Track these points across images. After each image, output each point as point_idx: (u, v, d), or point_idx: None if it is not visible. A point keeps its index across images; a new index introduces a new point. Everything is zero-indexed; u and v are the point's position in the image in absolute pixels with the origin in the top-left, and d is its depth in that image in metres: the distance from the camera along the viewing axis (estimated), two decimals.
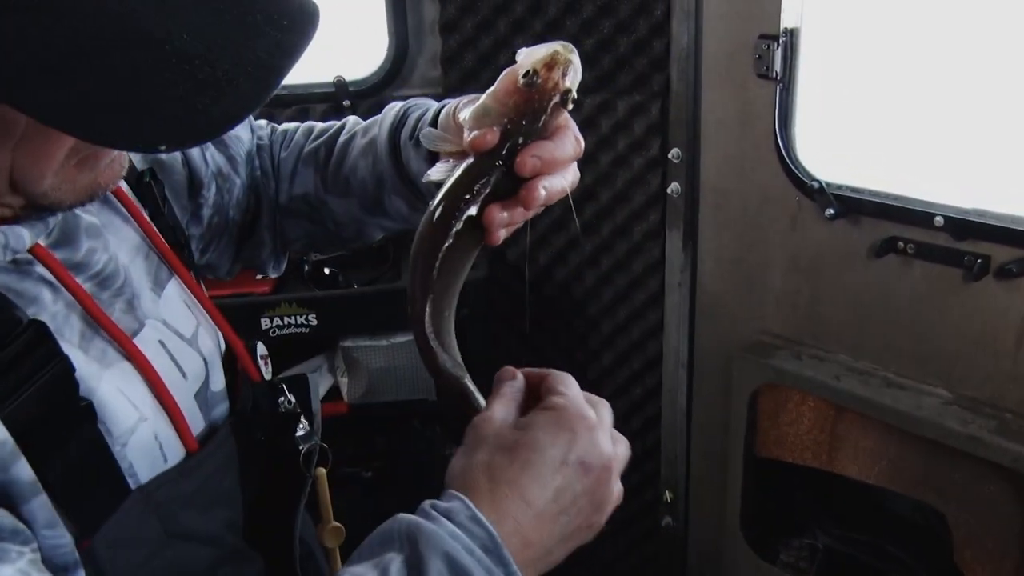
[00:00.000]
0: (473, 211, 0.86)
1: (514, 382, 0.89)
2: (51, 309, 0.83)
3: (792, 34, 1.91)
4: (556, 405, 0.84)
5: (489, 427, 0.83)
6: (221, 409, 1.02)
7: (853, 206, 1.91)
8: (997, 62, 1.75)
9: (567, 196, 0.90)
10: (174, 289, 1.01)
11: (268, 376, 1.09)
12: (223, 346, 1.07)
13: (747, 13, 1.98)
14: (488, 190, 0.86)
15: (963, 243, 1.77)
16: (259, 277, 2.14)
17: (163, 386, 0.89)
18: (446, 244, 0.86)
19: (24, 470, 0.75)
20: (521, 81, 0.84)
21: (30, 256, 0.83)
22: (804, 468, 2.19)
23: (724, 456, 2.29)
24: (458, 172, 0.88)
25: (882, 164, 1.94)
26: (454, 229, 0.86)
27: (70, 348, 0.81)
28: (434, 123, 1.06)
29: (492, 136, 0.85)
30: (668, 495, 2.59)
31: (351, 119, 1.24)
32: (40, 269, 0.83)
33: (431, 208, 0.87)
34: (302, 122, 2.14)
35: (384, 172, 1.13)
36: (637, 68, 2.20)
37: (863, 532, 2.26)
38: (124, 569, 0.83)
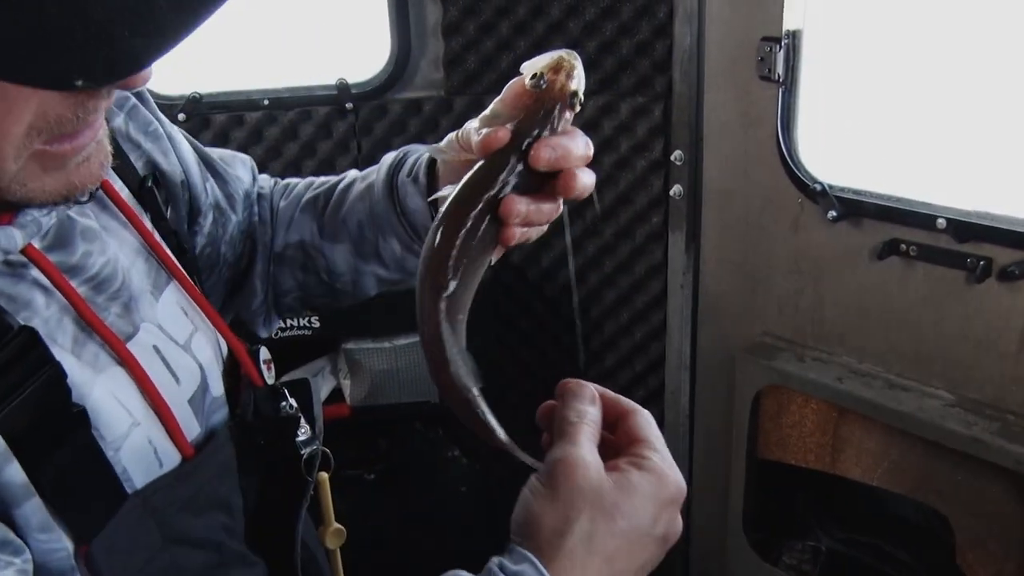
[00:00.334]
0: (499, 193, 0.85)
1: (593, 411, 0.86)
2: (43, 314, 0.82)
3: (794, 36, 1.91)
4: (656, 468, 0.83)
5: (585, 479, 0.80)
6: (221, 415, 1.02)
7: (855, 208, 1.91)
8: (999, 64, 1.75)
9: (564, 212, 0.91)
10: (171, 294, 1.00)
11: (271, 381, 1.08)
12: (225, 351, 1.07)
13: (749, 15, 1.98)
14: (510, 179, 0.86)
15: (966, 245, 1.77)
16: None
17: (156, 391, 0.89)
18: (460, 239, 0.84)
19: (16, 473, 0.75)
20: (529, 83, 0.87)
21: (24, 259, 0.82)
22: (806, 470, 2.19)
23: (727, 458, 2.29)
24: (470, 173, 0.87)
25: (884, 166, 1.95)
26: (470, 221, 0.84)
27: (62, 353, 0.81)
28: (432, 162, 1.09)
29: (504, 133, 0.86)
30: None
31: (351, 172, 1.25)
32: (34, 272, 0.83)
33: (442, 211, 0.86)
34: (304, 125, 2.15)
35: (380, 212, 1.14)
36: (640, 70, 2.20)
37: (866, 534, 2.26)
38: (122, 574, 0.83)
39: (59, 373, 0.79)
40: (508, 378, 2.53)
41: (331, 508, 1.14)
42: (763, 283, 2.16)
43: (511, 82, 0.89)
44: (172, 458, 0.90)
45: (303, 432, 1.05)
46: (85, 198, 0.85)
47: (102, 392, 0.84)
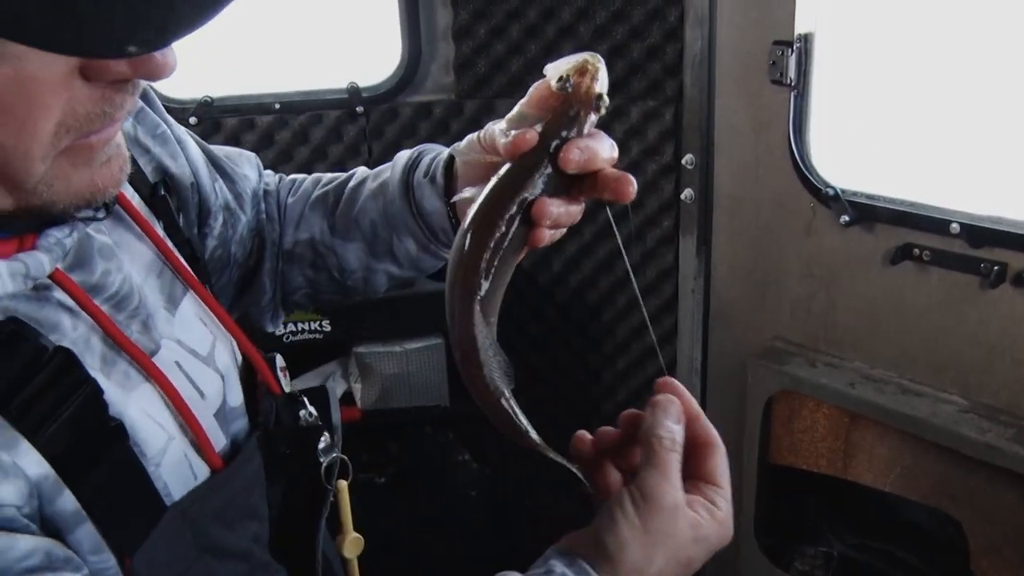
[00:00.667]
0: (528, 196, 0.86)
1: (680, 431, 0.88)
2: (71, 335, 0.81)
3: (806, 40, 1.90)
4: (724, 521, 0.88)
5: (675, 525, 0.85)
6: (240, 424, 1.01)
7: (868, 213, 1.90)
8: (1012, 67, 1.74)
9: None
10: (189, 306, 0.99)
11: (288, 388, 1.08)
12: (239, 358, 1.06)
13: (761, 19, 1.97)
14: (541, 182, 0.87)
15: (980, 250, 1.76)
16: None
17: (186, 407, 0.89)
18: (493, 241, 0.85)
19: (68, 502, 0.76)
20: (555, 86, 0.87)
21: (48, 281, 0.81)
22: (818, 475, 2.18)
23: (738, 463, 2.28)
24: (499, 175, 0.88)
25: (897, 170, 1.94)
26: (502, 224, 0.85)
27: (93, 373, 0.81)
28: (450, 163, 1.09)
29: (533, 135, 0.87)
30: None
31: (360, 169, 1.25)
32: (58, 294, 0.82)
33: (470, 218, 0.87)
34: (314, 128, 2.15)
35: (396, 212, 1.14)
36: (651, 74, 2.20)
37: (878, 540, 2.24)
38: None
39: (96, 390, 0.79)
40: (518, 383, 2.52)
41: (350, 517, 1.13)
42: (775, 288, 2.15)
43: (536, 84, 0.90)
44: (203, 471, 0.91)
45: (323, 440, 1.05)
46: (102, 214, 0.85)
47: (136, 410, 0.84)
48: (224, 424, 0.97)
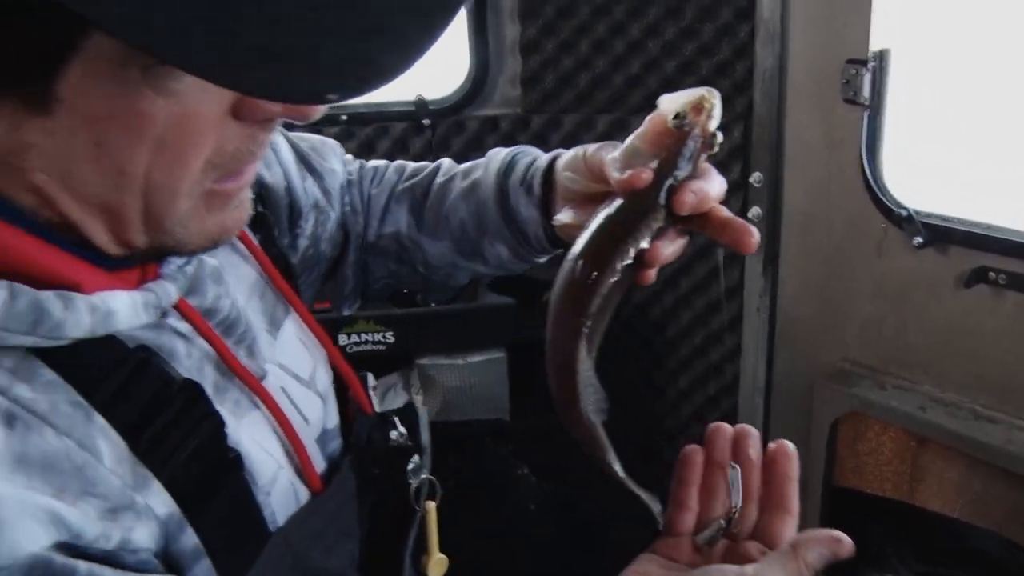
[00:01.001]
0: (645, 244, 0.85)
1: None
2: (186, 363, 0.79)
3: (881, 58, 1.88)
4: None
5: None
6: (335, 444, 1.00)
7: (942, 235, 1.87)
8: None
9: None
10: (291, 328, 0.98)
11: (378, 408, 1.07)
12: (331, 376, 1.05)
13: (835, 37, 1.95)
14: (657, 226, 0.86)
15: None
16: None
17: (295, 434, 0.87)
18: (609, 281, 0.84)
19: (190, 538, 0.74)
20: (671, 123, 0.86)
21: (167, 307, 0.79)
22: (882, 499, 2.14)
23: (802, 485, 2.24)
24: (609, 212, 0.87)
25: (972, 192, 1.90)
26: (618, 267, 0.84)
27: None
28: (548, 171, 1.06)
29: (648, 175, 0.85)
30: None
31: (445, 161, 1.23)
32: (172, 321, 0.80)
33: (582, 249, 0.86)
34: (381, 140, 2.14)
35: (488, 216, 1.12)
36: (720, 91, 2.16)
37: (945, 567, 2.20)
38: None
39: (219, 423, 0.78)
40: None
41: (436, 538, 1.11)
42: (844, 308, 2.12)
43: (650, 117, 0.88)
44: (305, 495, 0.89)
45: (412, 461, 1.04)
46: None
47: (247, 438, 0.83)
48: (323, 447, 0.96)
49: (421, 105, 2.32)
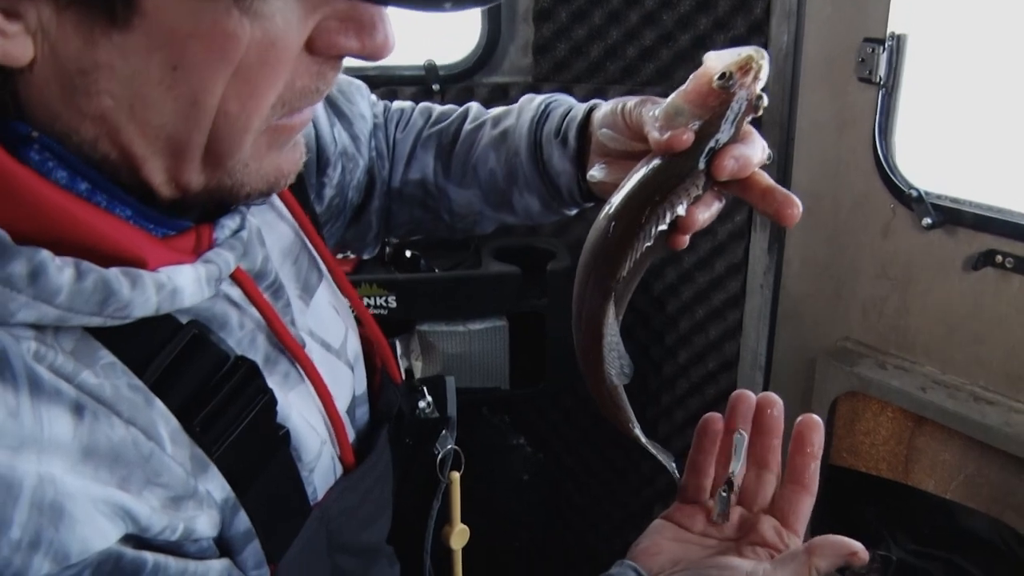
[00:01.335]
0: (681, 210, 0.82)
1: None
2: (237, 334, 0.76)
3: (899, 39, 1.88)
4: None
5: None
6: (362, 412, 0.96)
7: (952, 216, 1.88)
8: None
9: None
10: (323, 294, 0.93)
11: (403, 375, 1.05)
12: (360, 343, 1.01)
13: (852, 15, 1.95)
14: (696, 194, 0.83)
15: None
16: (342, 256, 2.14)
17: (335, 408, 0.85)
18: (644, 246, 0.82)
19: (243, 521, 0.72)
20: (716, 83, 0.82)
21: None
22: (877, 479, 2.16)
23: None
24: (647, 172, 0.84)
25: (984, 175, 1.91)
26: (654, 232, 0.82)
27: None
28: (585, 122, 1.03)
29: (689, 137, 0.82)
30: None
31: (474, 106, 1.19)
32: (224, 287, 0.75)
33: (617, 209, 0.84)
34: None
35: (520, 167, 1.08)
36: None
37: (938, 547, 2.22)
38: None
39: (272, 401, 0.74)
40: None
41: (459, 508, 1.11)
42: (847, 288, 2.13)
43: (695, 75, 0.84)
44: (339, 468, 0.87)
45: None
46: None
47: (296, 414, 0.79)
48: (352, 417, 0.92)
49: (431, 70, 2.31)
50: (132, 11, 0.55)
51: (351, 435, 0.90)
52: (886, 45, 1.88)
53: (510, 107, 1.14)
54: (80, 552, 0.58)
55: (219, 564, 0.70)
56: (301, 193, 0.97)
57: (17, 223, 0.58)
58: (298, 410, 0.80)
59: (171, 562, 0.65)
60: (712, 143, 0.83)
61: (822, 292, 2.19)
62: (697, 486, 0.97)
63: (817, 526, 2.22)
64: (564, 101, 1.10)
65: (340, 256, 2.07)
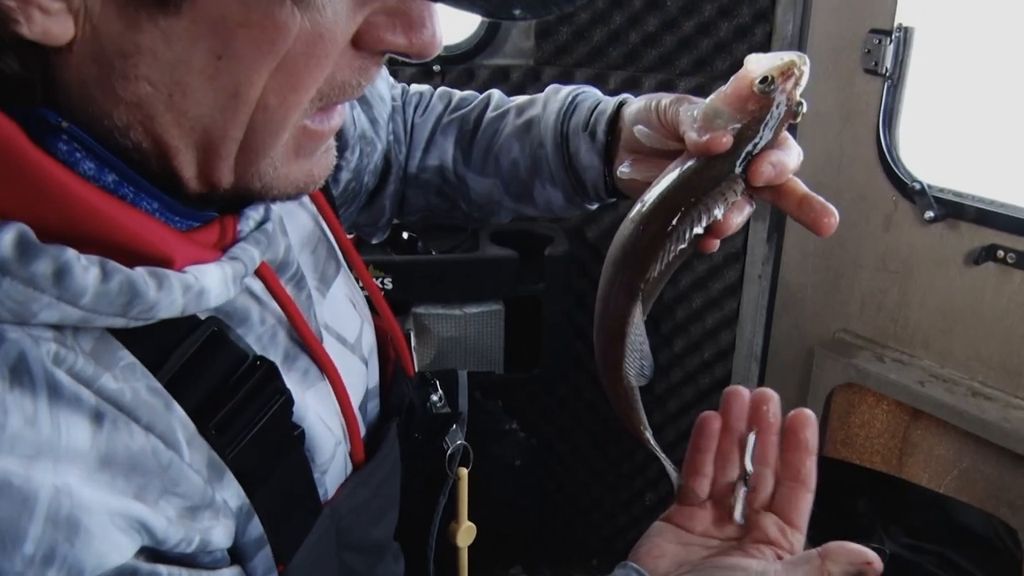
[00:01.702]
0: (718, 214, 0.81)
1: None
2: (258, 330, 0.73)
3: (906, 31, 1.87)
4: None
5: None
6: (373, 406, 0.94)
7: (954, 210, 1.87)
8: None
9: None
10: (340, 287, 0.90)
11: (417, 367, 1.03)
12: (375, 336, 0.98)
13: (859, 6, 1.94)
14: (735, 196, 0.82)
15: None
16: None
17: (351, 408, 0.82)
18: (677, 248, 0.81)
19: (256, 528, 0.70)
20: (757, 87, 0.81)
21: None
22: (870, 471, 2.16)
23: None
24: (682, 173, 0.83)
25: (988, 169, 1.91)
26: (688, 235, 0.81)
27: None
28: (615, 116, 1.01)
29: (728, 140, 0.80)
30: None
31: (495, 93, 1.17)
32: (247, 280, 0.72)
33: (651, 209, 0.82)
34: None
35: (544, 158, 1.06)
36: (736, 54, 2.16)
37: (931, 541, 2.22)
38: None
39: (289, 401, 0.72)
40: (576, 352, 2.52)
41: (466, 505, 1.08)
42: (846, 279, 2.12)
43: (736, 77, 0.82)
44: (350, 465, 0.85)
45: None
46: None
47: (312, 413, 0.77)
48: (363, 412, 0.90)
49: None
50: None
51: (362, 430, 0.88)
52: (893, 37, 1.87)
53: (535, 96, 1.11)
54: (95, 568, 0.56)
55: (230, 572, 0.68)
56: None
57: (42, 217, 0.56)
58: (315, 410, 0.78)
59: (184, 574, 0.63)
60: (750, 147, 0.82)
61: (821, 283, 2.19)
62: (696, 486, 0.95)
63: (810, 519, 2.22)
64: (591, 93, 1.07)
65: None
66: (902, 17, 1.87)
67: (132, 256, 0.59)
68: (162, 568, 0.61)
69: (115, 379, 0.60)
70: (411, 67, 2.28)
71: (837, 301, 2.16)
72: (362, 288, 0.98)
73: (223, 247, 0.68)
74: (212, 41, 0.55)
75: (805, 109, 0.83)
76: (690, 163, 0.83)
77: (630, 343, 0.84)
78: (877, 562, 0.82)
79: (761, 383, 2.40)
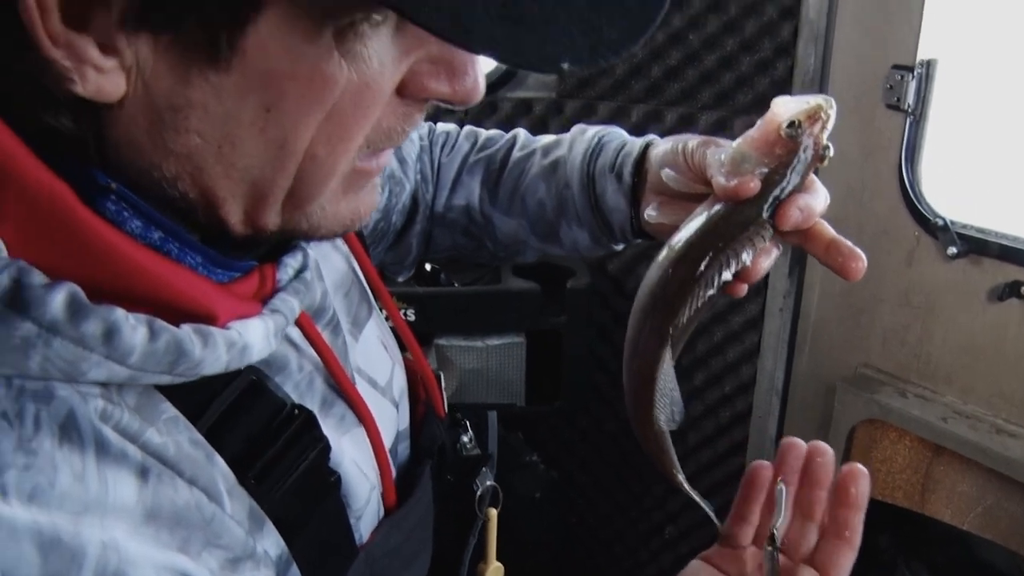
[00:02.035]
0: (747, 258, 0.82)
1: None
2: (295, 377, 0.74)
3: (929, 66, 1.87)
4: None
5: None
6: (403, 448, 0.94)
7: (977, 246, 1.86)
8: None
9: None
10: (372, 329, 0.90)
11: (445, 407, 1.03)
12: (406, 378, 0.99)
13: (881, 42, 1.94)
14: (763, 242, 0.83)
15: None
16: None
17: (384, 451, 0.83)
18: (707, 294, 0.82)
19: (294, 575, 0.71)
20: (784, 132, 0.82)
21: None
22: (892, 507, 2.14)
23: None
24: (711, 218, 0.83)
25: (1011, 205, 1.90)
26: (717, 280, 0.82)
27: None
28: (641, 158, 1.01)
29: (756, 185, 0.81)
30: None
31: (521, 133, 1.18)
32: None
33: (680, 254, 0.83)
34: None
35: (570, 199, 1.07)
36: (758, 88, 2.17)
37: None
38: None
39: (326, 448, 0.73)
40: (596, 384, 2.52)
41: (495, 545, 1.08)
42: (868, 315, 2.11)
43: (763, 121, 0.83)
44: (382, 509, 0.85)
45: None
46: None
47: (348, 460, 0.78)
48: (393, 455, 0.90)
49: None
50: (233, 49, 0.54)
51: (393, 473, 0.88)
52: (915, 72, 1.87)
53: (561, 137, 1.13)
54: None
55: None
56: None
57: (91, 276, 0.57)
58: (350, 456, 0.78)
59: None
60: (777, 192, 0.82)
61: (842, 318, 2.18)
62: (740, 533, 0.95)
63: None
64: (617, 135, 1.08)
65: None
66: (924, 52, 1.87)
67: (177, 313, 0.60)
68: None
69: (159, 433, 0.61)
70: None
71: (859, 336, 2.15)
72: (391, 326, 0.99)
73: (263, 297, 0.69)
74: (261, 95, 0.56)
75: (832, 153, 0.84)
76: (717, 208, 0.83)
77: (660, 388, 0.85)
78: None
79: (782, 418, 2.39)
